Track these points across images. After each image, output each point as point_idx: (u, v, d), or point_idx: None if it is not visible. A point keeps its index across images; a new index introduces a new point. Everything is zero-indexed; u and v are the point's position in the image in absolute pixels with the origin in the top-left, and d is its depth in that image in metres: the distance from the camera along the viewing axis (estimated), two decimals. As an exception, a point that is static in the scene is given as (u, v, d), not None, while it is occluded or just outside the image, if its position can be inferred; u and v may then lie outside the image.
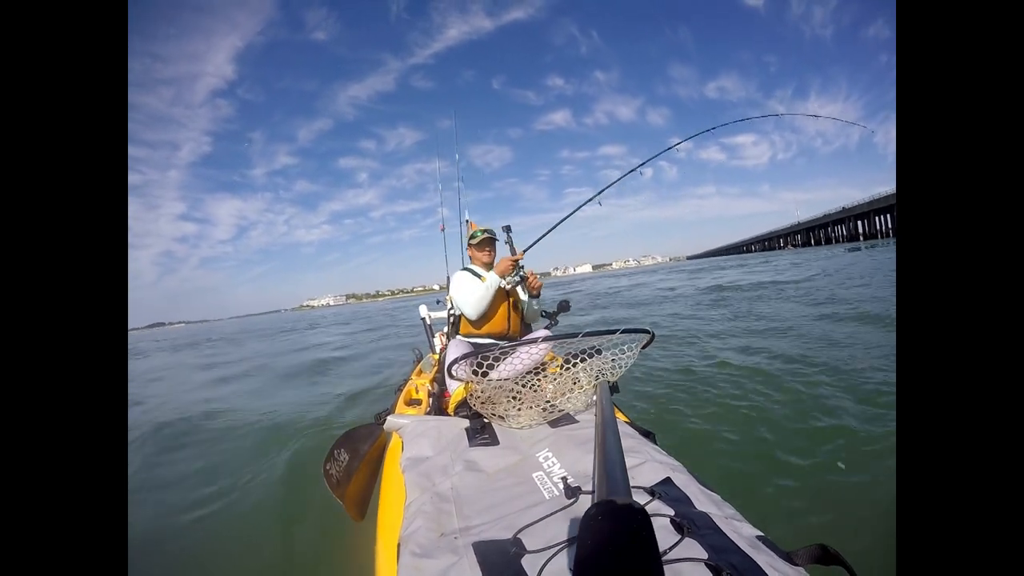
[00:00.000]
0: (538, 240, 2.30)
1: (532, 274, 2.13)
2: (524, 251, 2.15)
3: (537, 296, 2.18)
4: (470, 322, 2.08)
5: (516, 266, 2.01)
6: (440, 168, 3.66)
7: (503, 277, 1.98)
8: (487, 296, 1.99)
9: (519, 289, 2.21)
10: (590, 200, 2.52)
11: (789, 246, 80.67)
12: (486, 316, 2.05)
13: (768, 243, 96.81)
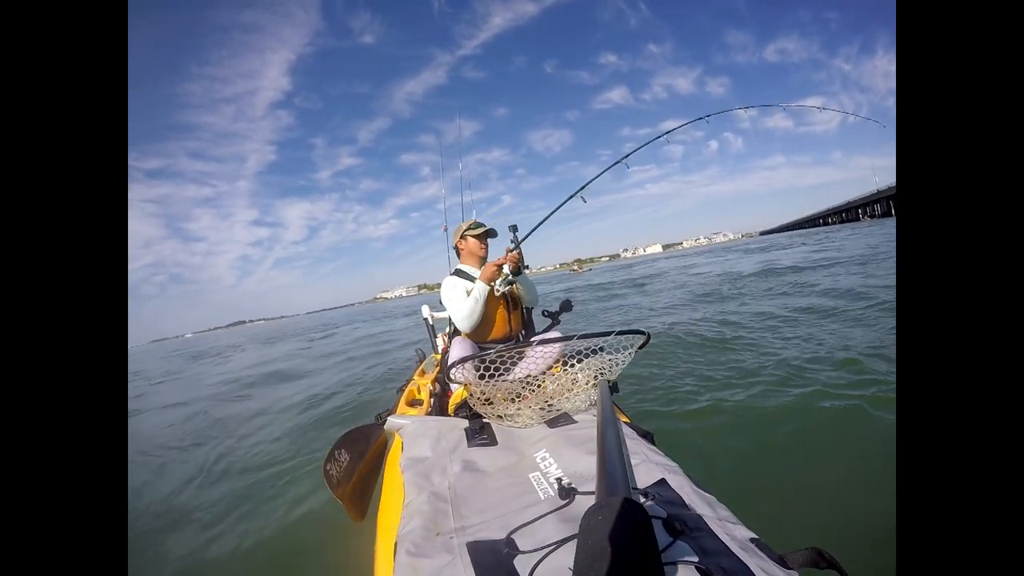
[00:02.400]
0: (526, 235, 2.12)
1: (509, 251, 1.93)
2: (509, 251, 1.95)
3: (518, 273, 1.98)
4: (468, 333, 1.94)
5: (502, 270, 1.87)
6: (444, 165, 3.66)
7: (491, 283, 1.86)
8: (477, 308, 1.86)
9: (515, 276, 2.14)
10: (571, 196, 2.33)
11: (866, 217, 70.84)
12: (483, 325, 1.92)
13: (846, 214, 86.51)
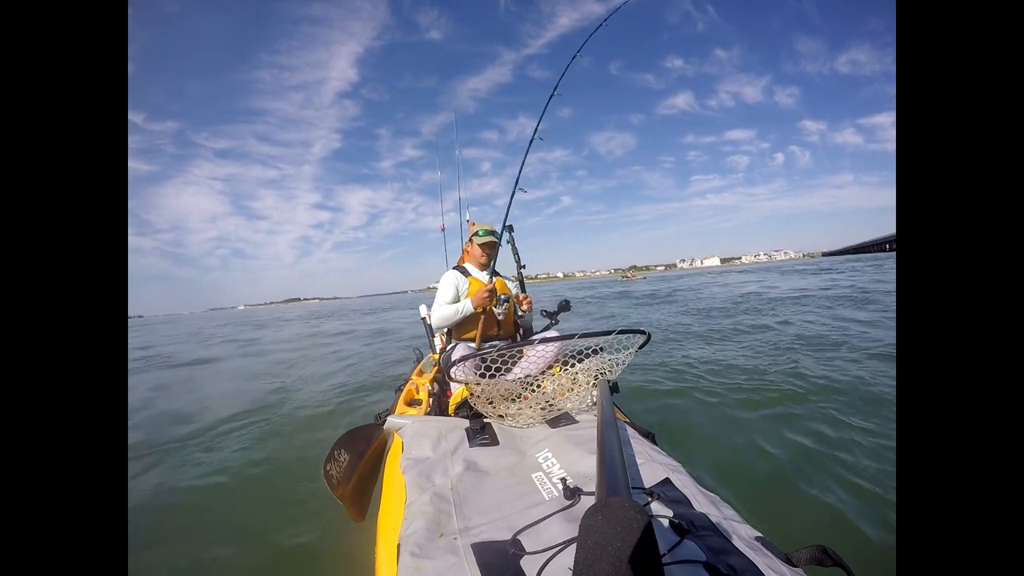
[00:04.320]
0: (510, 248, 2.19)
1: (522, 297, 2.04)
2: (494, 277, 2.00)
3: (529, 311, 2.10)
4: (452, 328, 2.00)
5: (494, 297, 1.88)
6: (441, 166, 3.66)
7: (479, 308, 1.88)
8: (453, 320, 1.92)
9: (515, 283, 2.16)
10: (531, 141, 2.23)
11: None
12: (463, 326, 1.97)
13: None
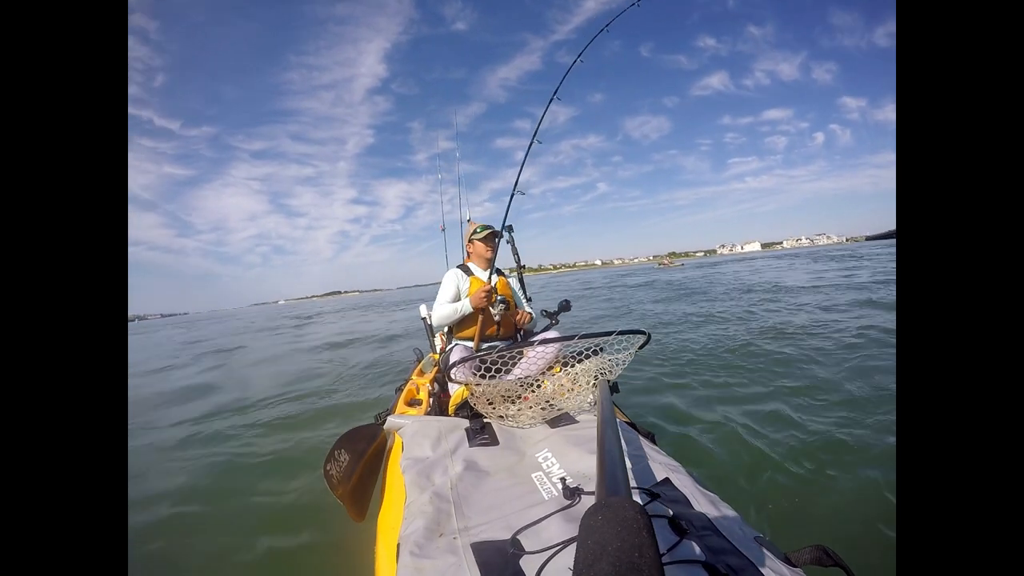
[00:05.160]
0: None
1: (518, 311, 2.03)
2: (496, 276, 2.07)
3: (528, 323, 2.10)
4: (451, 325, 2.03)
5: (492, 296, 1.91)
6: (441, 165, 3.66)
7: (477, 308, 1.91)
8: (452, 319, 1.96)
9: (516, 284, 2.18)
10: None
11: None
12: (461, 325, 2.00)
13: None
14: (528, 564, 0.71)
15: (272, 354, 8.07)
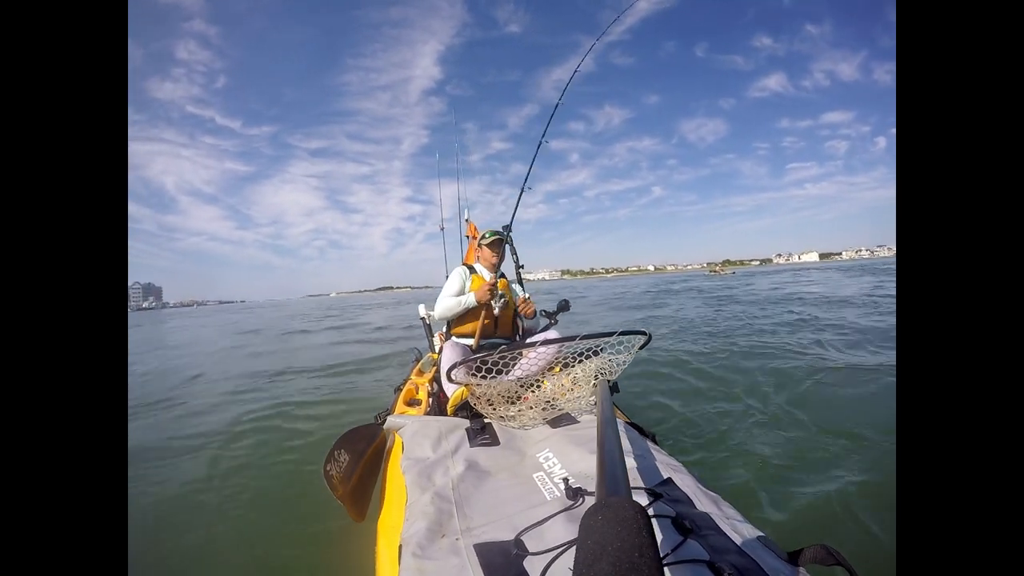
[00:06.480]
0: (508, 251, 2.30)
1: (524, 300, 2.17)
2: (498, 275, 2.20)
3: (532, 318, 2.23)
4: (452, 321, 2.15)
5: (494, 291, 2.03)
6: (441, 165, 3.69)
7: (481, 302, 2.03)
8: (456, 312, 2.07)
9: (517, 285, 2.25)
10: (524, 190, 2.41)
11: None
12: (462, 319, 2.12)
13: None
14: (532, 565, 0.71)
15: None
